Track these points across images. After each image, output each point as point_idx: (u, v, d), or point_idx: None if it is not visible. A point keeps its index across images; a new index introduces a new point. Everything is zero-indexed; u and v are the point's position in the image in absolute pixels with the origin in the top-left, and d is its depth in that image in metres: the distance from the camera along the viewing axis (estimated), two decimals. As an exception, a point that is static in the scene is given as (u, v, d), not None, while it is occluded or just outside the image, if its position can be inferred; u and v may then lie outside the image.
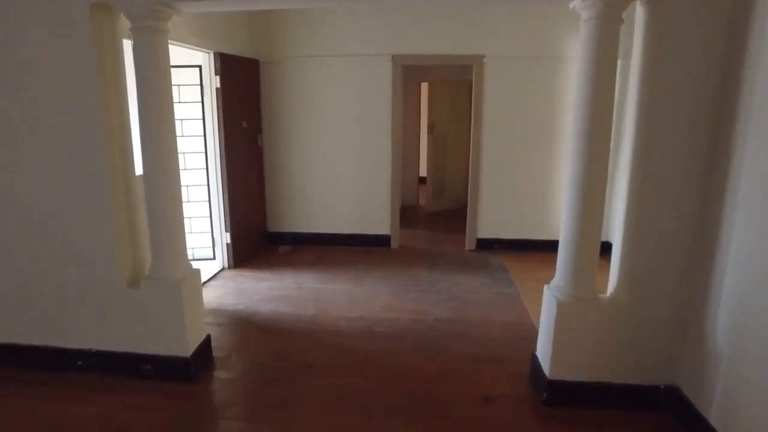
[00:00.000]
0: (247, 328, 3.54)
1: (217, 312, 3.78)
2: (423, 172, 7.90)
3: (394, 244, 5.40)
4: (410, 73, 7.07)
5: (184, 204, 4.63)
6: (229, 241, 4.67)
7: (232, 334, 3.46)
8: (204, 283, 4.33)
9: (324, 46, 5.02)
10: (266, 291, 4.20)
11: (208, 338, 3.08)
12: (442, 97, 7.01)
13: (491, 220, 5.28)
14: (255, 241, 5.20)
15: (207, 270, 4.61)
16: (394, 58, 4.96)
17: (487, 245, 5.33)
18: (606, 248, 2.70)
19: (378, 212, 5.35)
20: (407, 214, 6.84)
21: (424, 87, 7.62)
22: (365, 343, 3.31)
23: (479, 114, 5.02)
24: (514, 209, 5.24)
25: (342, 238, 5.44)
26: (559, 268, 2.63)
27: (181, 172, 4.54)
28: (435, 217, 7.05)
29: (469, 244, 5.34)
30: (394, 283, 4.35)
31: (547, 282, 2.77)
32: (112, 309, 2.81)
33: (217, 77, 4.29)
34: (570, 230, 2.52)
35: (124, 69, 2.72)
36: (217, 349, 3.18)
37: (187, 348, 2.82)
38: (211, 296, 4.05)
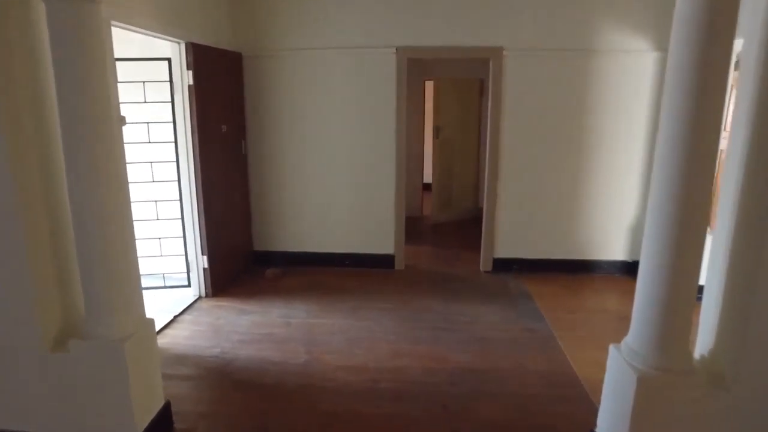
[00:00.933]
0: (221, 383, 2.83)
1: (185, 359, 3.08)
2: (427, 178, 7.22)
3: (399, 264, 4.71)
4: (414, 70, 6.39)
5: (153, 222, 4.01)
6: (206, 266, 3.96)
7: (201, 393, 2.75)
8: (174, 318, 3.63)
9: (318, 38, 4.33)
10: (248, 328, 3.49)
11: (167, 406, 2.38)
12: (448, 98, 6.33)
13: (510, 237, 4.60)
14: (238, 263, 4.49)
15: (180, 300, 3.90)
16: (399, 51, 4.28)
17: (505, 266, 4.65)
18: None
19: (380, 229, 4.66)
20: (411, 226, 6.13)
21: (429, 87, 6.93)
22: (368, 404, 2.62)
23: (497, 116, 4.34)
24: (536, 225, 4.56)
25: (339, 259, 4.75)
26: (637, 326, 1.94)
27: (148, 184, 3.92)
28: (441, 229, 6.36)
29: (485, 264, 4.66)
30: (402, 318, 3.66)
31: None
32: (32, 379, 2.10)
33: (190, 72, 3.59)
34: (657, 275, 1.84)
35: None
36: (181, 417, 2.48)
37: (134, 426, 2.12)
38: (180, 337, 3.34)
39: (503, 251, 4.64)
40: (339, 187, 4.60)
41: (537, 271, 4.62)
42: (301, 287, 4.28)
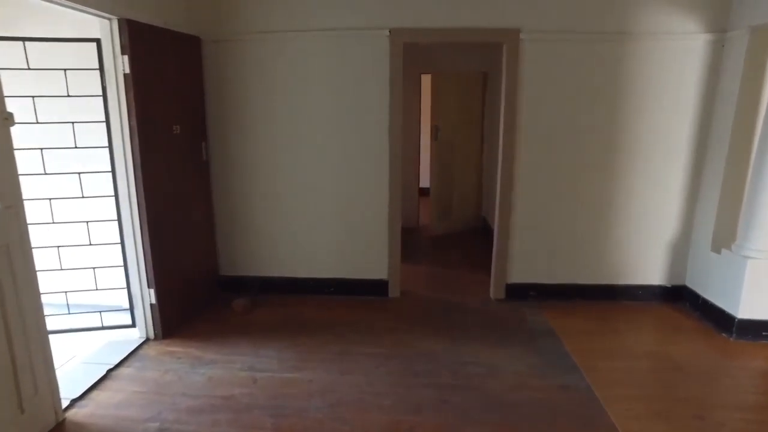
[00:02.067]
0: (151, 485, 2.05)
1: (109, 442, 2.29)
2: (423, 182, 6.46)
3: (394, 291, 3.94)
4: (408, 62, 5.62)
5: (85, 248, 3.14)
6: (153, 301, 3.17)
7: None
8: (108, 372, 2.84)
9: (294, 18, 3.54)
10: (203, 387, 2.71)
11: None
12: (448, 94, 5.57)
13: (526, 258, 3.85)
14: (198, 293, 3.69)
15: (121, 345, 3.11)
16: (393, 34, 3.51)
17: (520, 293, 3.90)
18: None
19: (371, 249, 3.88)
20: (406, 239, 5.34)
21: (426, 81, 6.17)
22: None
23: (511, 114, 3.58)
24: (557, 245, 3.82)
25: (322, 285, 3.97)
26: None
27: (76, 201, 3.03)
28: (441, 243, 5.60)
29: (496, 290, 3.90)
30: (399, 370, 2.89)
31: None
32: None
33: (125, 57, 2.80)
34: None
35: None
36: None
37: None
38: (109, 405, 2.54)
39: (518, 275, 3.88)
40: (322, 200, 3.82)
41: (558, 299, 3.87)
42: (275, 323, 3.50)
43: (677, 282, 3.85)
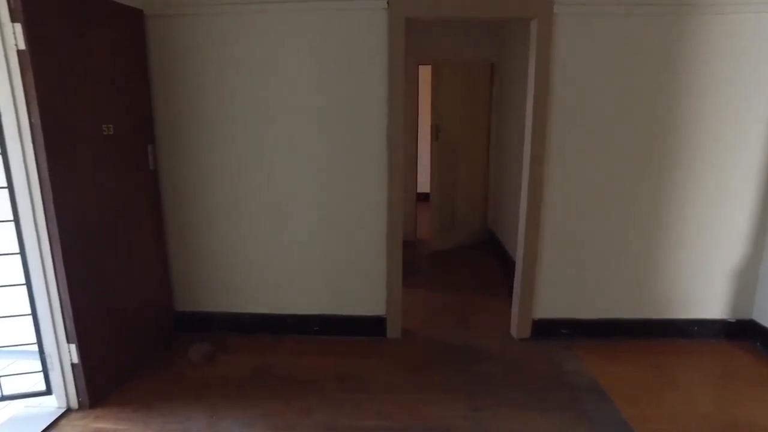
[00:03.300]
0: None
1: None
2: (422, 186, 5.71)
3: (393, 331, 3.16)
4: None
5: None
6: (76, 360, 2.36)
7: None
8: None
9: (264, -13, 2.76)
10: (131, 493, 1.91)
11: None
12: (450, 88, 4.82)
13: (557, 288, 3.10)
14: (144, 339, 2.88)
15: (30, 420, 2.29)
16: (393, 6, 2.74)
17: (549, 331, 3.15)
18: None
19: (365, 278, 3.11)
20: (403, 256, 4.61)
21: (424, 72, 5.41)
22: None
23: (542, 109, 2.83)
24: (595, 271, 3.08)
25: (305, 323, 3.18)
26: None
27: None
28: (444, 260, 4.84)
29: (521, 328, 3.15)
30: (407, 457, 2.12)
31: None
32: None
33: (17, 26, 1.98)
34: None
35: None
36: None
37: None
38: None
39: (547, 309, 3.13)
40: (304, 217, 3.03)
41: (596, 337, 3.14)
42: (243, 378, 2.70)
43: (742, 316, 3.13)
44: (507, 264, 4.45)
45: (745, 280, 3.06)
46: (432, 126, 4.82)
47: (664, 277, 3.07)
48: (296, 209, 3.01)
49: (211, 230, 3.06)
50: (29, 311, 2.30)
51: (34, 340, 2.34)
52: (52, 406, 2.41)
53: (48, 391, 2.41)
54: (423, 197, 6.18)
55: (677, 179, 2.92)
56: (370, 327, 3.15)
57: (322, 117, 2.88)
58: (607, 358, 2.92)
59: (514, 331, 3.19)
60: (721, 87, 2.79)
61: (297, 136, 2.90)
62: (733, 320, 3.13)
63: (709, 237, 3.01)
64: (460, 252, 5.10)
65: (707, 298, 3.10)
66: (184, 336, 3.14)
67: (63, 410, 2.40)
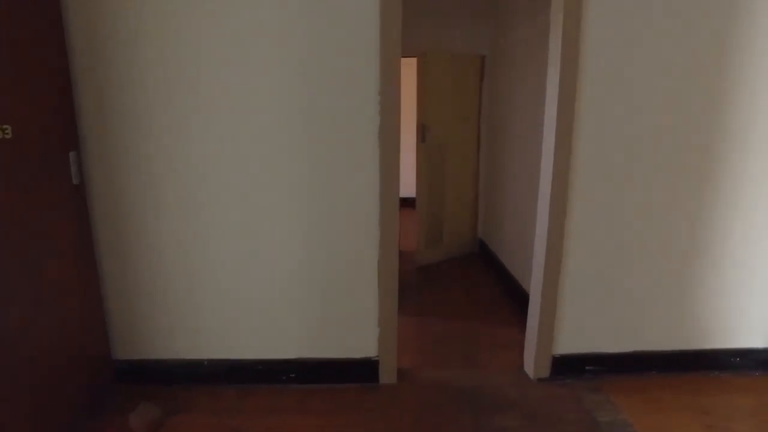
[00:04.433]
0: None
1: None
2: (405, 191, 5.18)
3: (388, 375, 2.61)
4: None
5: None
6: (-39, 451, 1.70)
7: None
8: None
9: (219, -52, 2.15)
10: None
11: None
12: (438, 82, 4.30)
13: (581, 319, 2.61)
14: (70, 397, 2.22)
15: None
16: (386, -25, 2.18)
17: (572, 368, 2.66)
18: None
19: (352, 314, 2.54)
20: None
21: (408, 65, 4.88)
22: None
23: (569, 105, 2.32)
24: (624, 297, 2.60)
25: (277, 370, 2.58)
26: None
27: None
28: (434, 276, 4.31)
29: (539, 366, 2.64)
30: None
31: None
32: None
33: None
34: None
35: None
36: None
37: None
38: None
39: (569, 343, 2.63)
40: (274, 239, 2.43)
41: (626, 374, 2.67)
42: (197, 454, 2.10)
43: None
44: (505, 279, 3.95)
45: (792, 303, 2.65)
46: (418, 126, 4.28)
47: (700, 303, 2.63)
48: (267, 230, 2.41)
49: (158, 259, 2.42)
50: None
51: None
52: None
53: None
54: (406, 202, 5.66)
55: (721, 188, 2.47)
56: (358, 371, 2.58)
57: (298, 112, 2.29)
58: (644, 401, 2.45)
59: (529, 369, 2.68)
60: (774, 78, 2.35)
61: (264, 134, 2.30)
62: (777, 346, 2.71)
63: (752, 256, 2.58)
64: (449, 266, 4.59)
65: (751, 325, 2.68)
66: (126, 389, 2.50)
67: None
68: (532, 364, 2.64)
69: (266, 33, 2.19)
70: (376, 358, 2.58)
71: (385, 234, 2.42)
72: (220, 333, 2.52)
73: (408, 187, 5.67)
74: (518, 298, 3.58)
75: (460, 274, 4.36)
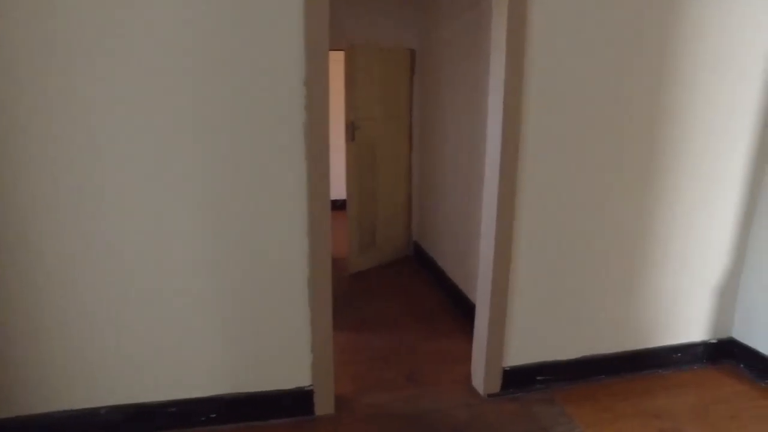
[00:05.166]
0: None
1: None
2: (336, 193, 4.88)
3: (324, 406, 2.28)
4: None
5: None
6: None
7: None
8: None
9: None
10: None
11: None
12: (368, 78, 4.03)
13: (531, 328, 2.44)
14: None
15: None
16: (309, -57, 1.86)
17: (523, 380, 2.49)
18: None
19: (278, 339, 2.19)
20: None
21: (334, 58, 4.58)
22: None
23: (515, 101, 2.13)
24: (572, 302, 2.47)
25: (195, 411, 2.17)
26: None
27: None
28: (368, 284, 4.04)
29: (489, 381, 2.44)
30: None
31: None
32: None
33: None
34: None
35: None
36: None
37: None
38: None
39: (520, 354, 2.46)
40: (176, 256, 2.02)
41: (577, 381, 2.55)
42: None
43: (722, 335, 2.74)
44: (444, 285, 3.77)
45: (724, 297, 2.66)
46: (347, 124, 3.99)
47: (644, 302, 2.57)
48: (171, 251, 2.00)
49: (35, 298, 1.93)
50: None
51: None
52: None
53: None
54: (336, 205, 5.36)
55: (665, 186, 2.41)
56: (291, 404, 2.24)
57: (203, 108, 1.90)
58: (598, 410, 2.33)
59: (479, 385, 2.48)
60: (711, 70, 2.32)
61: (168, 144, 1.90)
62: (715, 341, 2.72)
63: (691, 253, 2.56)
64: (384, 272, 4.33)
65: (689, 320, 2.67)
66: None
67: None
68: (482, 379, 2.44)
69: (167, 20, 1.79)
70: (310, 388, 2.25)
71: (316, 244, 2.10)
72: (118, 374, 2.07)
73: (338, 189, 5.37)
74: (460, 304, 3.40)
75: (396, 280, 4.12)
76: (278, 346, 2.19)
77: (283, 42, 1.90)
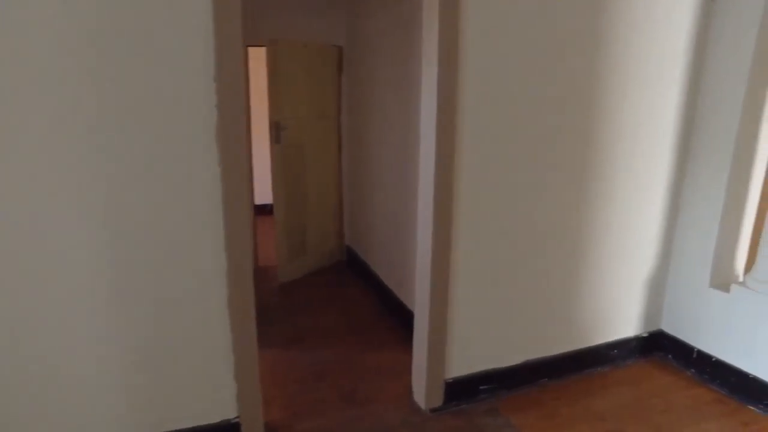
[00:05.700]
0: None
1: None
2: (259, 197, 4.68)
3: (252, 437, 2.04)
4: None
5: None
6: None
7: None
8: None
9: None
10: None
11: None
12: (292, 76, 3.78)
13: (472, 336, 2.34)
14: None
15: None
16: None
17: (466, 391, 2.38)
18: None
19: (196, 367, 1.92)
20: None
21: (256, 56, 4.30)
22: None
23: (450, 102, 2.00)
24: (514, 305, 2.40)
25: (92, 462, 1.85)
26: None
27: None
28: (300, 294, 3.80)
29: (431, 395, 2.30)
30: None
31: None
32: None
33: None
34: None
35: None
36: None
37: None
38: None
39: (462, 364, 2.35)
40: (59, 283, 1.70)
41: (521, 389, 2.48)
42: None
43: (653, 328, 2.80)
44: (378, 290, 3.61)
45: (654, 292, 2.72)
46: (271, 124, 3.72)
47: (582, 301, 2.55)
48: (54, 278, 1.67)
49: None
50: None
51: None
52: None
53: None
54: (261, 210, 5.09)
55: (595, 192, 2.39)
56: (213, 441, 1.98)
57: (96, 105, 1.60)
58: (543, 416, 2.27)
59: (420, 399, 2.33)
60: (639, 67, 2.32)
61: (49, 151, 1.58)
62: (646, 334, 2.77)
63: (624, 252, 2.58)
64: (317, 280, 4.11)
65: (624, 316, 2.69)
66: None
67: None
68: (423, 392, 2.30)
69: (52, 10, 1.48)
70: (236, 419, 2.00)
71: (236, 258, 1.85)
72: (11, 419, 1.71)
73: (263, 194, 5.07)
74: (396, 312, 3.25)
75: (329, 288, 3.91)
76: (198, 376, 1.92)
77: (189, 32, 1.64)
